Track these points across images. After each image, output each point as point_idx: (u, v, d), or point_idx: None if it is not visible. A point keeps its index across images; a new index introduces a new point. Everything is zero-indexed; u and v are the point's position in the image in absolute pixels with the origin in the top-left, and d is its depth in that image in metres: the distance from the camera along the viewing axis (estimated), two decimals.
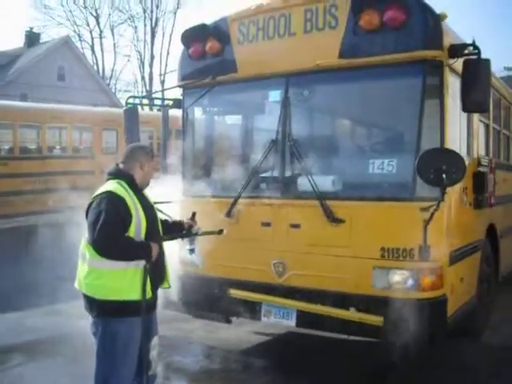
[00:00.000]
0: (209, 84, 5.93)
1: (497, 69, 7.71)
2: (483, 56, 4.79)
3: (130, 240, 3.94)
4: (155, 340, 4.30)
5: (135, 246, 3.98)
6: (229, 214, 5.61)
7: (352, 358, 6.06)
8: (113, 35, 43.46)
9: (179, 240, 4.81)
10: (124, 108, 6.14)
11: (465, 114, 5.64)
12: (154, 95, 6.47)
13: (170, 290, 7.14)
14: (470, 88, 4.75)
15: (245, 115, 6.10)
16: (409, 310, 4.74)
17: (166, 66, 42.21)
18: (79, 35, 41.87)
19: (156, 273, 4.15)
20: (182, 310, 6.53)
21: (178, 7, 43.31)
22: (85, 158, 16.16)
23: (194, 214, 4.81)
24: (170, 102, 6.54)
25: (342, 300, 4.95)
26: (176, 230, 4.68)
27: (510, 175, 8.26)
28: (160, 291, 7.13)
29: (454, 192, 5.19)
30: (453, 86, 5.07)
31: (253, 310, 5.54)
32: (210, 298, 5.78)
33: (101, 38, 42.59)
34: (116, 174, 4.11)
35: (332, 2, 5.20)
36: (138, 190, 4.10)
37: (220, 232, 5.01)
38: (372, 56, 4.98)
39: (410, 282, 4.77)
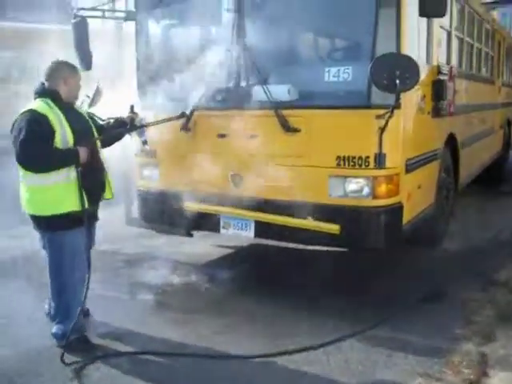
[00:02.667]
0: None
1: None
2: None
3: (52, 149, 4.10)
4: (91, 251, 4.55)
5: (60, 153, 4.14)
6: (185, 127, 5.50)
7: (311, 267, 6.16)
8: None
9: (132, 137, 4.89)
10: (73, 21, 5.85)
11: (424, 21, 5.52)
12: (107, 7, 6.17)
13: (132, 206, 7.22)
14: None
15: (199, 24, 5.86)
16: (364, 217, 4.81)
17: None
18: None
19: (92, 183, 4.30)
20: (144, 226, 6.57)
21: None
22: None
23: (132, 107, 4.87)
24: (123, 15, 6.27)
25: (299, 209, 4.95)
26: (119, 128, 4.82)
27: (472, 85, 8.23)
28: (122, 207, 7.18)
29: (411, 99, 5.15)
30: None
31: (212, 223, 5.56)
32: (169, 213, 5.78)
33: None
34: (41, 93, 4.30)
35: None
36: (64, 105, 4.26)
37: (182, 116, 5.06)
38: None
39: (366, 189, 4.78)
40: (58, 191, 4.17)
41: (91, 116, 4.72)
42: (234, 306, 5.34)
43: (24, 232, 4.59)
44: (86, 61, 5.98)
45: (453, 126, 6.71)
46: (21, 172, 4.23)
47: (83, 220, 4.22)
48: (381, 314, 4.90)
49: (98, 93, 5.15)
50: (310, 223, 4.93)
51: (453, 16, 6.79)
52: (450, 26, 6.75)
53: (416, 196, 5.38)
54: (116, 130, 4.76)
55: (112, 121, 4.84)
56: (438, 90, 5.76)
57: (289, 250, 6.15)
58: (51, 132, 4.09)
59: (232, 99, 5.28)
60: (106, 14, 6.15)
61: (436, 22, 5.86)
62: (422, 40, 5.56)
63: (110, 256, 6.96)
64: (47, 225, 4.26)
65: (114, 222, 7.73)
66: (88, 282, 4.35)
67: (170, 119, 5.06)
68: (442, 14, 4.78)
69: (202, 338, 4.63)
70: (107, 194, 4.65)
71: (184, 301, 5.56)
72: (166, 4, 5.77)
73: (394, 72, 4.28)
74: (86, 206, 4.24)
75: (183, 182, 5.61)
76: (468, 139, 7.77)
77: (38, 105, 4.19)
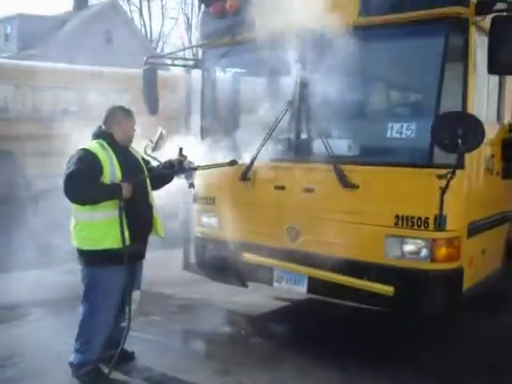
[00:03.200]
0: (228, 43, 5.76)
1: None
2: None
3: (95, 182, 4.27)
4: (136, 294, 4.60)
5: (101, 185, 4.31)
6: (244, 177, 5.49)
7: (364, 327, 5.92)
8: None
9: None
10: (143, 68, 6.04)
11: (496, 78, 5.32)
12: (175, 55, 6.36)
13: (190, 251, 7.22)
14: (498, 47, 4.40)
15: (262, 75, 5.92)
16: (421, 280, 4.59)
17: None
18: None
19: (137, 220, 4.39)
20: (200, 273, 6.55)
21: None
22: None
23: (181, 150, 4.90)
24: (191, 62, 6.41)
25: (354, 268, 4.81)
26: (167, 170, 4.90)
27: None
28: (179, 252, 7.21)
29: (477, 159, 4.92)
30: (481, 46, 4.76)
31: (265, 275, 5.47)
32: (225, 262, 5.72)
33: (148, 0, 42.55)
34: (97, 135, 4.53)
35: None
36: (118, 147, 4.47)
37: (232, 163, 4.96)
38: (393, 13, 4.70)
39: (424, 252, 4.57)
40: (103, 227, 4.31)
41: (146, 160, 4.85)
42: (281, 361, 5.18)
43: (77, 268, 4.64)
44: (153, 106, 6.16)
45: None
46: (73, 207, 4.41)
47: (123, 258, 4.26)
48: None
49: (161, 138, 5.26)
50: (363, 283, 4.76)
51: None
52: None
53: (479, 260, 5.09)
54: (163, 171, 4.85)
55: (162, 164, 4.94)
56: (508, 150, 5.49)
57: (346, 307, 5.93)
58: (99, 169, 4.27)
59: (292, 151, 5.26)
60: (175, 61, 6.29)
61: (508, 79, 5.63)
62: (492, 97, 5.35)
63: (165, 300, 6.99)
64: (85, 259, 4.40)
65: (174, 265, 7.78)
66: (129, 324, 4.38)
67: (219, 165, 5.06)
68: None
69: None
70: (158, 232, 4.74)
71: (232, 352, 5.47)
72: (230, 55, 5.84)
73: (456, 131, 4.10)
74: (128, 243, 4.28)
75: (240, 232, 5.55)
76: None
77: (90, 144, 4.42)
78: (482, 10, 4.59)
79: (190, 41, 41.97)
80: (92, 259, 4.37)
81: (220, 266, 5.89)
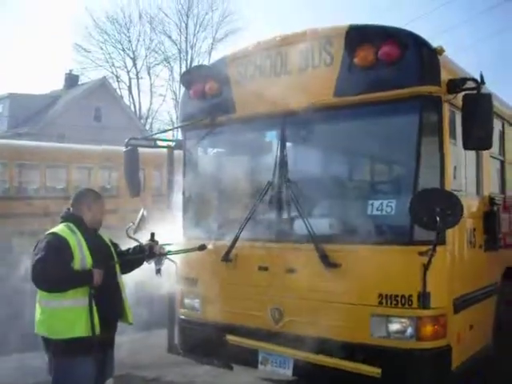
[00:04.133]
0: (208, 125, 5.83)
1: None
2: (486, 90, 4.58)
3: (65, 269, 4.12)
4: (109, 382, 4.42)
5: (72, 271, 4.16)
6: (226, 258, 5.43)
7: None
8: (149, 76, 44.42)
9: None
10: (124, 149, 6.08)
11: (473, 152, 5.38)
12: (156, 136, 6.44)
13: (175, 333, 7.05)
14: (471, 124, 4.52)
15: (243, 156, 5.97)
16: (408, 360, 4.47)
17: None
18: (117, 76, 42.94)
19: (107, 308, 4.20)
20: (184, 355, 6.37)
21: (212, 48, 44.05)
22: (113, 197, 16.27)
23: (152, 235, 4.79)
24: (173, 144, 6.47)
25: (340, 349, 4.68)
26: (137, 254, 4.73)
27: None
28: (164, 335, 7.03)
29: (458, 234, 4.91)
30: (455, 122, 4.85)
31: (250, 357, 5.33)
32: (209, 344, 5.59)
33: (138, 78, 43.60)
34: (66, 217, 4.44)
35: (327, 39, 5.06)
36: (87, 231, 4.37)
37: (202, 248, 4.94)
38: (368, 93, 4.79)
39: (410, 330, 4.48)
40: (71, 315, 4.12)
41: (114, 243, 4.72)
42: None
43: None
44: (135, 187, 6.16)
45: (511, 259, 6.33)
46: (39, 293, 4.24)
47: (93, 347, 4.08)
48: None
49: (142, 219, 5.21)
50: (349, 364, 4.63)
51: (506, 144, 6.61)
52: (503, 154, 6.56)
53: (467, 337, 4.99)
54: (133, 256, 4.70)
55: (132, 248, 4.80)
56: (490, 222, 5.49)
57: None
58: (69, 254, 4.14)
59: (274, 231, 5.23)
60: (158, 143, 6.35)
61: (485, 152, 5.70)
62: (470, 171, 5.40)
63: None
64: (55, 349, 4.16)
65: (158, 348, 7.57)
66: None
67: (189, 250, 5.06)
68: (486, 147, 4.66)
69: None
70: (128, 319, 4.52)
71: None
72: (210, 136, 5.90)
73: (434, 209, 4.11)
74: (98, 332, 4.12)
75: (223, 314, 5.45)
76: None
77: (60, 228, 4.29)
78: (452, 88, 4.70)
79: (177, 117, 42.70)
80: (61, 349, 4.13)
81: (204, 349, 5.74)
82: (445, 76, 4.72)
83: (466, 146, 4.61)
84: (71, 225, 4.32)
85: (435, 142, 4.67)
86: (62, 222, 4.40)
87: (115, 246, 4.72)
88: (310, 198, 5.12)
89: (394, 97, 4.70)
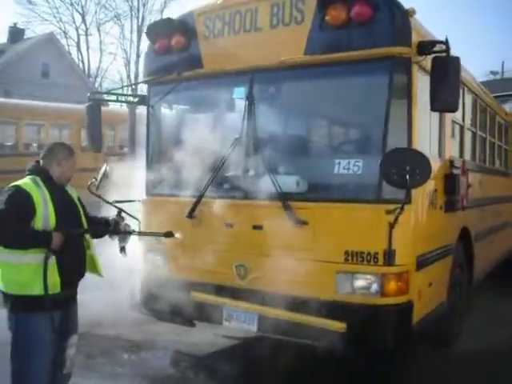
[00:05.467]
0: (174, 80, 5.72)
1: (483, 73, 7.54)
2: (453, 53, 4.64)
3: (24, 227, 3.96)
4: (73, 339, 4.29)
5: (30, 232, 3.98)
6: (191, 215, 5.41)
7: (318, 363, 5.86)
8: (99, 33, 43.12)
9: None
10: (86, 104, 5.92)
11: (437, 115, 5.49)
12: (119, 91, 6.27)
13: (136, 293, 7.01)
14: (439, 87, 4.58)
15: (210, 112, 5.89)
16: (372, 315, 4.59)
17: None
18: (65, 32, 41.45)
19: (67, 266, 4.06)
20: (145, 312, 6.35)
21: (164, 6, 42.99)
22: None
23: (119, 211, 4.65)
24: (135, 99, 6.33)
25: (305, 305, 4.76)
26: (101, 227, 4.56)
27: (486, 178, 8.12)
28: (124, 294, 6.95)
29: (423, 194, 5.04)
30: (423, 84, 4.91)
31: (214, 314, 5.37)
32: (172, 301, 5.57)
33: (87, 35, 42.23)
34: (32, 170, 4.23)
35: None
36: (54, 186, 4.17)
37: (168, 235, 4.57)
38: (338, 52, 4.80)
39: (375, 287, 4.60)
40: (28, 272, 3.97)
41: (82, 203, 4.52)
42: None
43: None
44: (97, 143, 6.03)
45: (466, 220, 6.55)
46: None
47: (48, 305, 3.95)
48: None
49: (105, 175, 5.11)
50: (315, 320, 4.72)
51: (465, 110, 6.77)
52: (463, 120, 6.72)
53: (427, 294, 5.15)
54: (98, 228, 4.50)
55: (97, 217, 4.63)
56: (450, 184, 5.64)
57: (296, 345, 5.85)
58: (31, 210, 3.96)
59: (240, 188, 5.22)
60: (120, 98, 6.20)
61: (448, 115, 5.82)
62: (434, 134, 5.52)
63: (110, 342, 6.73)
64: (11, 304, 4.05)
65: (120, 306, 7.52)
66: (70, 370, 4.18)
67: (155, 234, 4.92)
68: (453, 110, 4.75)
69: None
70: (98, 271, 4.44)
71: None
72: (176, 92, 5.80)
73: (404, 167, 4.19)
74: (58, 290, 4.01)
75: (187, 270, 5.46)
76: (482, 233, 7.58)
77: (25, 182, 4.09)
78: (422, 50, 4.75)
79: (128, 76, 41.86)
80: (18, 305, 4.02)
81: (167, 306, 5.71)
82: (415, 38, 4.76)
83: (434, 108, 4.69)
84: (37, 178, 4.13)
85: (404, 103, 4.73)
86: (28, 175, 4.20)
87: (83, 206, 4.58)
88: (278, 156, 5.12)
89: (365, 57, 4.72)
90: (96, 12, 45.84)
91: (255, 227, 5.07)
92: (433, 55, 4.73)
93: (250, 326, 5.16)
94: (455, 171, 5.87)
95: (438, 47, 4.76)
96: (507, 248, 10.16)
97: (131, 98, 6.38)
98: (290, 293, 4.85)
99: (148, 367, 5.99)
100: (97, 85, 40.67)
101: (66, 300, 4.21)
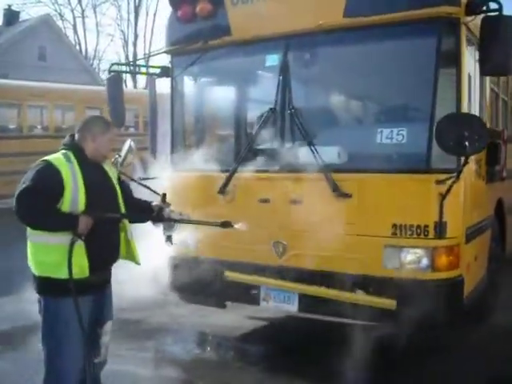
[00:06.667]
0: (200, 49, 5.42)
1: None
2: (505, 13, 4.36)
3: (50, 208, 3.68)
4: (108, 325, 4.03)
5: (55, 215, 3.70)
6: (223, 191, 5.15)
7: (354, 342, 5.65)
8: (95, 14, 42.55)
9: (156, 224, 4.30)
10: (107, 76, 5.62)
11: (477, 82, 5.22)
12: (139, 62, 5.97)
13: (161, 274, 6.79)
14: (490, 49, 4.29)
15: (240, 83, 5.60)
16: (424, 292, 4.35)
17: (150, 45, 41.42)
18: (60, 14, 40.76)
19: (97, 250, 3.78)
20: (172, 295, 6.12)
21: None
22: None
23: (164, 195, 4.18)
24: (157, 70, 6.02)
25: (350, 282, 4.54)
26: (143, 214, 4.21)
27: None
28: (145, 277, 6.70)
29: (470, 164, 4.77)
30: (469, 47, 4.64)
31: (251, 294, 5.13)
32: (204, 282, 5.31)
33: (83, 17, 41.57)
34: (66, 145, 3.94)
35: None
36: (87, 163, 3.86)
37: (225, 225, 4.04)
38: (381, 14, 4.51)
39: (425, 261, 4.37)
40: (55, 254, 3.72)
41: (124, 182, 4.24)
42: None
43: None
44: (120, 117, 5.73)
45: (503, 191, 6.32)
46: (28, 229, 3.82)
47: (84, 289, 3.71)
48: None
49: (130, 151, 4.84)
50: (362, 297, 4.50)
51: (500, 78, 6.50)
52: (498, 88, 6.45)
53: (474, 267, 4.95)
54: (138, 215, 4.19)
55: (139, 200, 4.27)
56: (494, 154, 5.38)
57: (327, 322, 5.64)
58: (60, 188, 3.67)
59: (276, 161, 4.96)
60: (142, 69, 5.90)
61: (488, 83, 5.55)
62: (476, 100, 5.24)
63: (133, 326, 6.51)
64: (41, 287, 3.83)
65: (140, 288, 7.30)
66: (105, 359, 3.97)
67: (209, 223, 4.31)
68: (507, 73, 4.49)
69: None
70: (135, 259, 4.13)
71: (216, 379, 5.09)
72: (202, 61, 5.49)
73: (462, 133, 3.92)
74: (86, 274, 3.74)
75: (220, 250, 5.21)
76: None
77: (56, 157, 3.81)
78: (472, 10, 4.47)
79: (126, 57, 41.29)
80: (48, 287, 3.79)
81: (198, 287, 5.48)
82: None
83: (485, 72, 4.44)
84: (70, 153, 3.83)
85: (453, 67, 4.47)
86: (61, 150, 3.91)
87: (126, 186, 4.23)
88: (316, 126, 4.86)
89: (409, 18, 4.44)
90: None
91: (293, 202, 4.82)
92: (483, 15, 4.44)
93: (289, 306, 4.94)
94: (497, 140, 5.61)
95: (487, 6, 4.47)
96: None
97: (153, 70, 6.05)
98: (333, 270, 4.62)
99: (175, 351, 5.80)
100: (94, 67, 40.15)
101: (96, 285, 3.92)
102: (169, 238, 4.26)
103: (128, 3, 41.83)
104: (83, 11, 41.38)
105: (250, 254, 5.06)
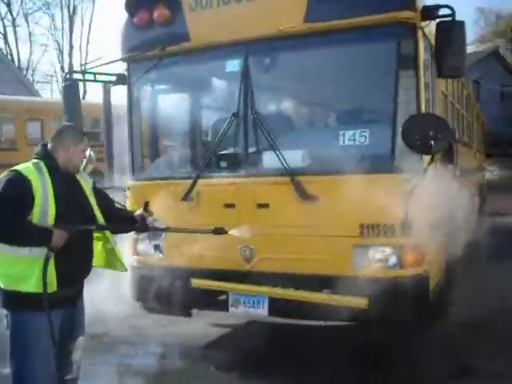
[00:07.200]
0: (158, 56, 5.36)
1: None
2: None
3: (20, 221, 3.55)
4: (79, 341, 3.92)
5: (28, 228, 3.56)
6: (186, 197, 5.10)
7: (322, 344, 5.72)
8: (27, 23, 41.29)
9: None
10: (64, 84, 5.49)
11: (431, 84, 5.38)
12: (94, 70, 5.82)
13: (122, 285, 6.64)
14: (446, 52, 4.46)
15: (200, 89, 5.58)
16: (393, 288, 4.45)
17: (87, 55, 40.65)
18: None
19: (66, 264, 3.64)
20: (135, 305, 6.01)
21: None
22: (7, 150, 15.02)
23: (146, 204, 4.02)
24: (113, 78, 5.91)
25: (320, 283, 4.58)
26: (127, 221, 4.10)
27: (463, 150, 8.17)
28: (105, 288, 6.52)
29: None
30: (425, 50, 4.79)
31: (219, 301, 5.11)
32: (169, 290, 5.25)
33: (14, 26, 40.33)
34: (38, 154, 3.81)
35: None
36: (59, 173, 3.74)
37: (218, 232, 3.92)
38: (340, 19, 4.59)
39: (393, 259, 4.47)
40: (24, 266, 3.59)
41: (98, 189, 4.10)
42: None
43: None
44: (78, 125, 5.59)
45: (456, 189, 6.50)
46: None
47: (43, 305, 3.55)
48: None
49: (90, 160, 4.75)
50: (334, 298, 4.54)
51: (448, 80, 6.73)
52: (447, 90, 6.68)
53: (436, 264, 5.09)
54: (119, 226, 4.08)
55: (122, 208, 4.22)
56: (449, 154, 5.56)
57: (290, 325, 5.68)
58: (29, 198, 3.54)
59: (239, 166, 4.96)
60: (98, 77, 5.78)
61: (439, 85, 5.74)
62: (432, 103, 5.41)
63: (95, 340, 6.32)
64: (8, 301, 3.67)
65: (101, 300, 7.13)
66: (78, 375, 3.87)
67: (196, 231, 4.24)
68: (462, 75, 4.65)
69: None
70: (117, 266, 4.03)
71: None
72: (160, 67, 5.43)
73: (427, 133, 4.04)
74: (54, 289, 3.61)
75: (185, 257, 5.13)
76: None
77: (26, 166, 3.68)
78: (427, 15, 4.62)
79: (61, 68, 40.37)
80: (15, 301, 3.63)
81: (162, 296, 5.39)
82: (419, 2, 4.62)
83: (443, 74, 4.57)
84: (41, 163, 3.71)
85: (411, 70, 4.59)
86: (33, 159, 3.77)
87: (102, 195, 4.09)
88: (280, 130, 4.90)
89: (369, 23, 4.54)
90: (22, 1, 43.82)
91: (259, 206, 4.83)
92: (438, 20, 4.60)
93: (259, 311, 4.93)
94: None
95: (442, 11, 4.63)
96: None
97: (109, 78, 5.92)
98: (302, 272, 4.66)
99: (138, 364, 5.73)
100: (28, 78, 38.99)
101: (65, 300, 3.78)
102: (157, 248, 4.18)
103: (62, 13, 40.94)
104: (14, 20, 40.17)
105: (217, 260, 5.03)
